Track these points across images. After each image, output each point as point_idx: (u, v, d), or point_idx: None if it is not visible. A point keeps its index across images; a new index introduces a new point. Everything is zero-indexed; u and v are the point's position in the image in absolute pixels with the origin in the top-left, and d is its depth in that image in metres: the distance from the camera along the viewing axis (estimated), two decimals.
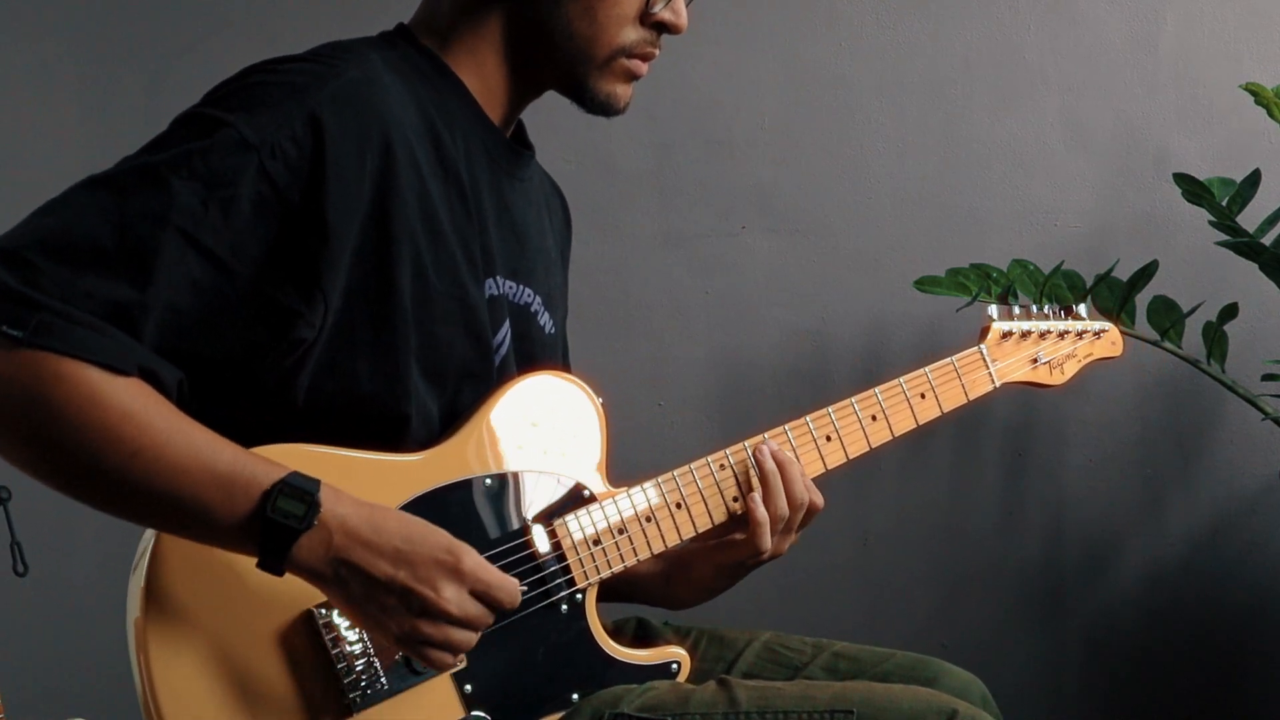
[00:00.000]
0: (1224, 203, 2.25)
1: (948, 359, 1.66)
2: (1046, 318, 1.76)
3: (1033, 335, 1.73)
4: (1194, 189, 2.26)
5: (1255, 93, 2.20)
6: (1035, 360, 1.73)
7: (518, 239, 1.49)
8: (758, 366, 2.64)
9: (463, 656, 1.32)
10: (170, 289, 1.22)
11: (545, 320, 1.54)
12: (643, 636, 1.61)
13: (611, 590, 1.51)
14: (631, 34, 1.42)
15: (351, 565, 1.23)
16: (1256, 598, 2.58)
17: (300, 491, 1.21)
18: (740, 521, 1.51)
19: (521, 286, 1.49)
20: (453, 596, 1.25)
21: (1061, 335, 1.76)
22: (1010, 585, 2.64)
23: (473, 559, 1.27)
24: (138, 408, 1.20)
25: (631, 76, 1.45)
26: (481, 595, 1.27)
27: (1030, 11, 2.59)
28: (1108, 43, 2.58)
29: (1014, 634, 2.64)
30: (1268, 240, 2.25)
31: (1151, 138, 2.57)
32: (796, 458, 1.53)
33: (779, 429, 1.55)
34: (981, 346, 1.69)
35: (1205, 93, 2.55)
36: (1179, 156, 2.53)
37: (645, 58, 1.45)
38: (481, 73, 1.43)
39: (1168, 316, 2.31)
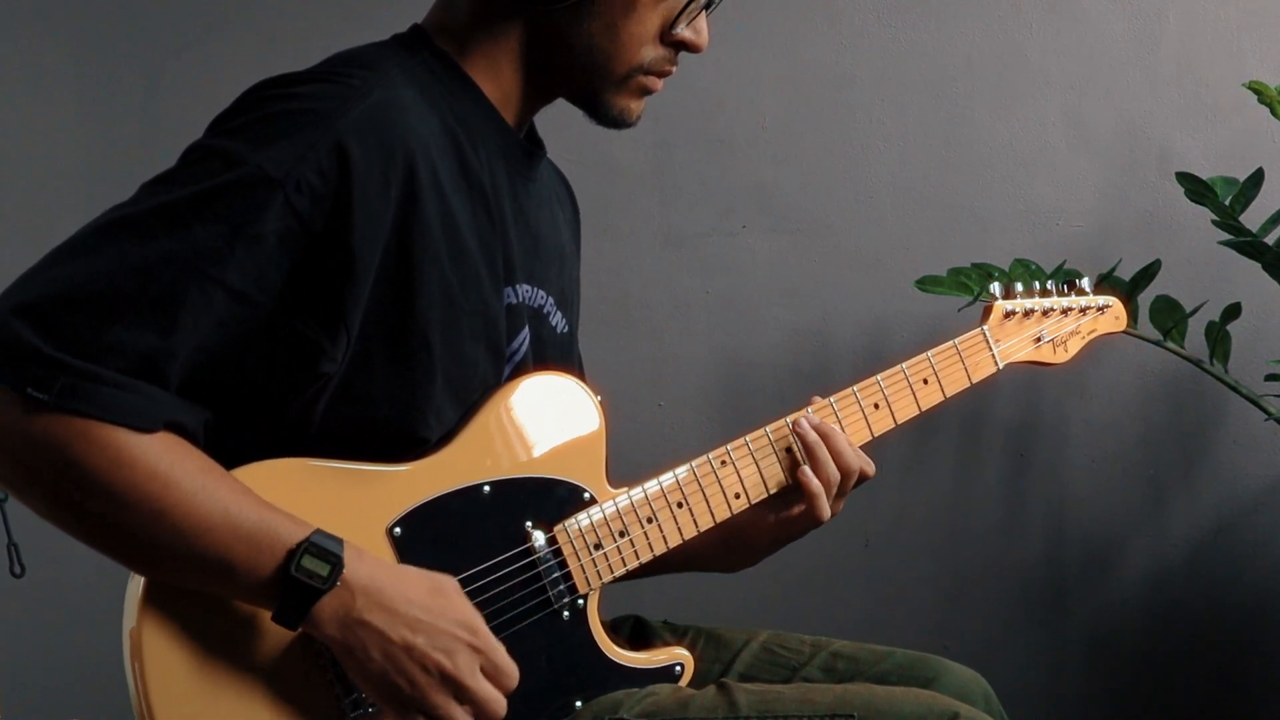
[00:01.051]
0: (1227, 202, 2.24)
1: (950, 342, 1.63)
2: (1049, 294, 1.73)
3: (1035, 314, 1.70)
4: (1197, 188, 2.25)
5: (1258, 91, 2.19)
6: (1039, 339, 1.70)
7: (533, 241, 1.48)
8: (758, 366, 2.63)
9: None
10: (196, 332, 1.22)
11: (558, 320, 1.53)
12: (640, 637, 1.60)
13: (666, 562, 1.51)
14: (651, 52, 1.41)
15: (370, 627, 1.23)
16: (1259, 598, 2.57)
17: (325, 552, 1.22)
18: (784, 497, 1.52)
19: (535, 289, 1.48)
20: (467, 667, 1.26)
21: (1065, 312, 1.72)
22: (1012, 586, 2.63)
23: (486, 636, 1.28)
24: (163, 466, 1.20)
25: (646, 92, 1.45)
26: (489, 674, 1.28)
27: (1032, 10, 2.57)
28: (1110, 41, 2.57)
29: (1016, 635, 2.63)
30: (1271, 240, 2.24)
31: (1154, 137, 2.56)
32: (838, 427, 1.53)
33: (779, 421, 1.54)
34: (984, 327, 1.66)
35: (1208, 91, 2.54)
36: (1182, 155, 2.52)
37: (661, 75, 1.44)
38: (497, 79, 1.41)
39: (1170, 316, 2.31)
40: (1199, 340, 2.34)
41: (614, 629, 1.58)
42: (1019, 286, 1.71)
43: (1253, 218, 2.25)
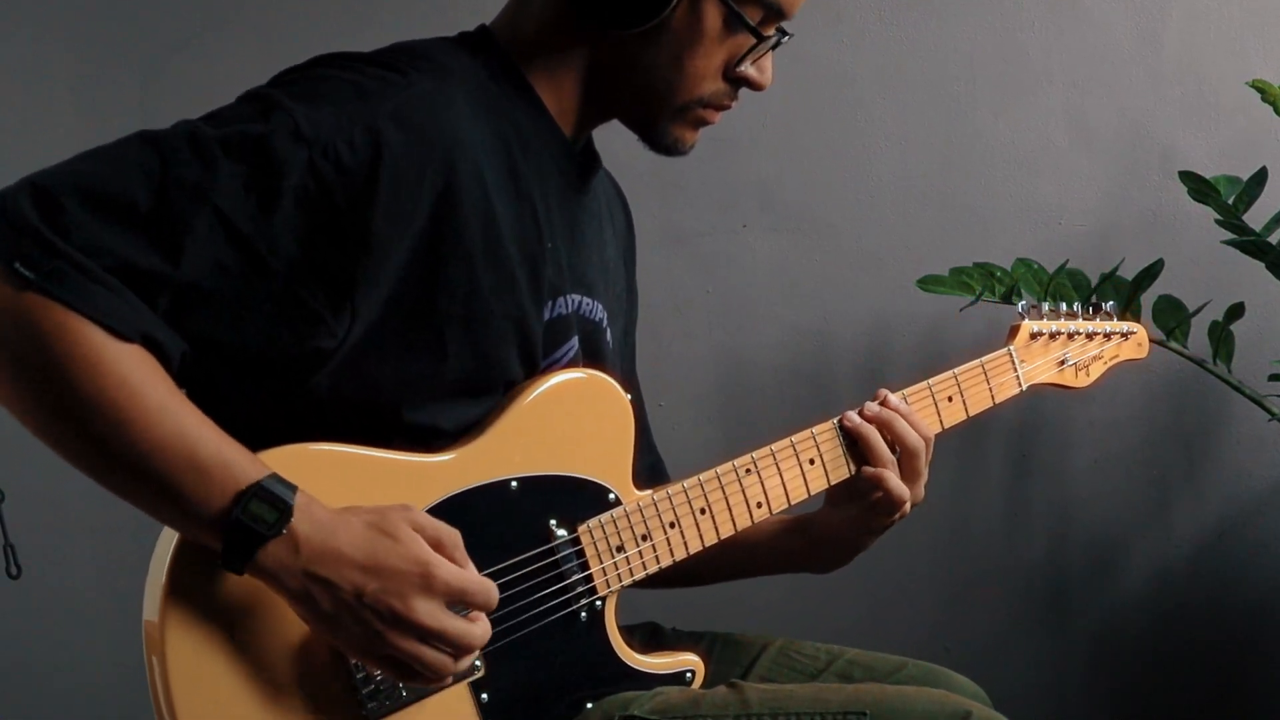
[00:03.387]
0: (1230, 201, 2.23)
1: (976, 360, 1.63)
2: (1075, 317, 1.72)
3: (1061, 336, 1.70)
4: (1200, 187, 2.24)
5: (1262, 89, 2.18)
6: (1062, 362, 1.70)
7: (587, 254, 1.48)
8: (759, 365, 2.62)
9: (477, 665, 1.30)
10: (194, 266, 1.20)
11: (610, 336, 1.53)
12: (654, 642, 1.58)
13: (743, 568, 1.56)
14: (712, 86, 1.41)
15: (318, 578, 1.19)
16: (1263, 599, 2.57)
17: (274, 498, 1.18)
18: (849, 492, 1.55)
19: (595, 302, 1.48)
20: (423, 609, 1.21)
21: (1090, 336, 1.73)
22: (1015, 587, 2.63)
23: (445, 570, 1.22)
24: (135, 378, 1.17)
25: (702, 124, 1.45)
26: (459, 603, 1.23)
27: (1034, 8, 2.57)
28: (1112, 39, 2.56)
29: (1018, 636, 2.63)
30: (1274, 239, 2.23)
31: (1157, 135, 2.55)
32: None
33: (805, 432, 1.52)
34: (1011, 348, 1.66)
35: (1211, 90, 2.54)
36: (1185, 154, 2.52)
37: (720, 108, 1.44)
38: (558, 93, 1.42)
39: (1173, 316, 2.30)
40: (1202, 340, 2.33)
41: (628, 635, 1.58)
42: (1045, 306, 1.71)
43: (1256, 217, 2.25)
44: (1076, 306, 1.73)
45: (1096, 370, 1.74)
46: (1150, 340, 2.28)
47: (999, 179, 2.58)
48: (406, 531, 1.23)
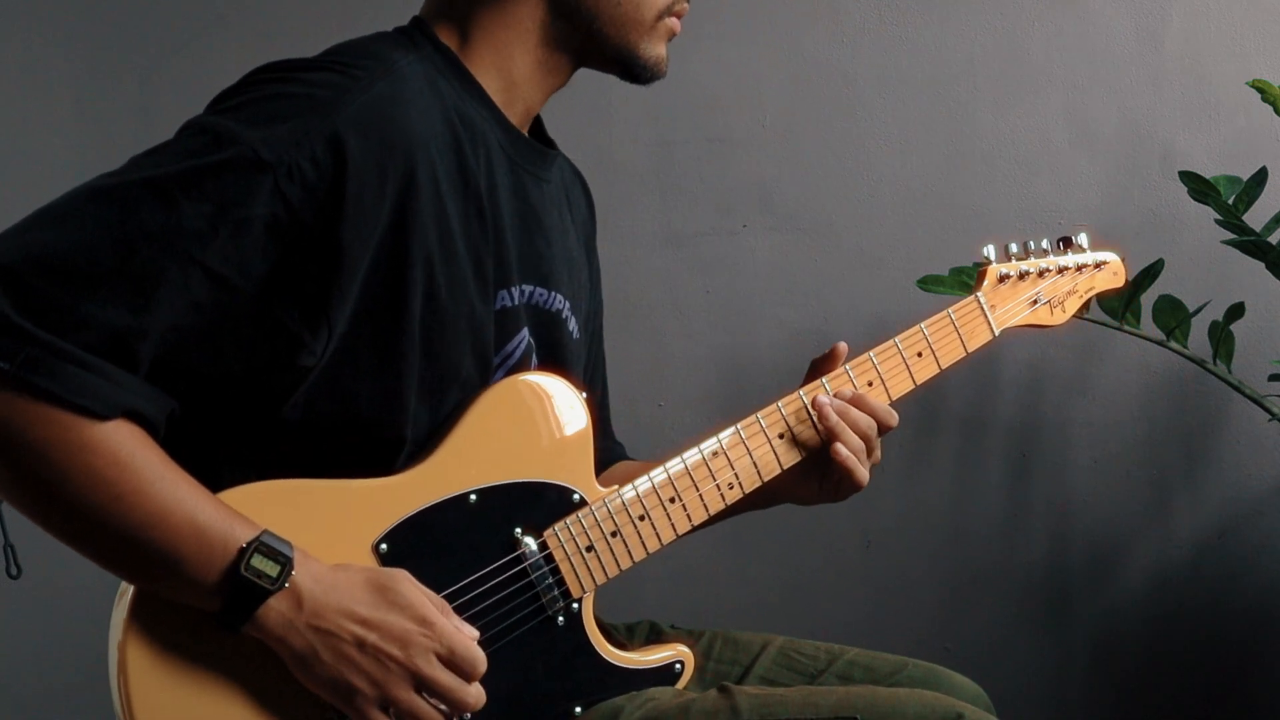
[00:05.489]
0: (1230, 201, 2.23)
1: (944, 311, 1.57)
2: (1045, 253, 1.66)
3: (1031, 275, 1.63)
4: (1200, 187, 2.23)
5: (1262, 90, 2.17)
6: (1035, 301, 1.64)
7: (546, 243, 1.45)
8: (759, 366, 2.62)
9: None
10: (170, 312, 1.19)
11: (573, 326, 1.51)
12: (654, 640, 1.57)
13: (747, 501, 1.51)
14: None
15: (319, 630, 1.21)
16: (1264, 600, 2.56)
17: (275, 552, 1.19)
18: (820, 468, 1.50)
19: (551, 293, 1.46)
20: (423, 659, 1.23)
21: (1061, 271, 1.66)
22: (1014, 587, 2.62)
23: (441, 626, 1.24)
24: (124, 453, 1.17)
25: (671, 35, 1.45)
26: (448, 664, 1.25)
27: (1035, 7, 2.56)
28: (1113, 39, 2.55)
29: (1018, 636, 2.62)
30: (1274, 239, 2.23)
31: (1157, 135, 2.55)
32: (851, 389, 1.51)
33: (771, 406, 1.50)
34: (979, 294, 1.60)
35: (1212, 90, 2.53)
36: (1185, 154, 2.51)
37: (680, 15, 1.45)
38: (504, 66, 1.40)
39: (1174, 316, 2.29)
40: (1202, 340, 2.33)
41: (629, 633, 1.57)
42: (1014, 247, 1.65)
43: (1256, 217, 2.24)
44: (1046, 243, 1.67)
45: (1072, 305, 1.68)
46: (1150, 339, 2.29)
47: (999, 179, 2.58)
48: (404, 586, 1.25)
